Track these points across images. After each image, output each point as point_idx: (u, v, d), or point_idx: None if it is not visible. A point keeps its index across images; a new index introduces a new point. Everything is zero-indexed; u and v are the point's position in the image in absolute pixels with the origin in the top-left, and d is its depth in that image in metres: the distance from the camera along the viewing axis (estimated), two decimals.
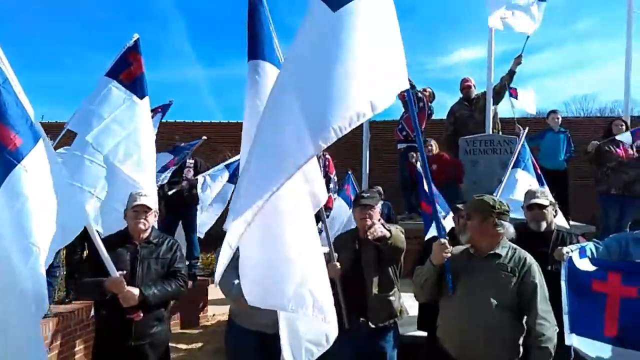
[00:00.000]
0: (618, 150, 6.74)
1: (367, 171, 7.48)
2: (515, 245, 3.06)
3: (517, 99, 8.53)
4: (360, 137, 7.46)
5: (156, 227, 3.72)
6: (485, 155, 6.76)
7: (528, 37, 7.28)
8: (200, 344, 6.29)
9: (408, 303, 3.68)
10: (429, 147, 7.21)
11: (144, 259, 3.30)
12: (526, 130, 5.52)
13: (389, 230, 3.41)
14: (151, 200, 3.38)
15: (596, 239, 3.68)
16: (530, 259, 2.98)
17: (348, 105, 2.16)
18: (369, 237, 3.33)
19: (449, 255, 2.85)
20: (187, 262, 7.34)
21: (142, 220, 3.31)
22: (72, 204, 2.77)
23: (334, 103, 2.15)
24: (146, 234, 3.38)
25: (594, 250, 3.51)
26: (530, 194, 3.99)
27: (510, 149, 6.72)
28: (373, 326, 3.48)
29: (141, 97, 3.85)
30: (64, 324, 5.24)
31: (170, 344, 6.11)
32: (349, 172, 7.38)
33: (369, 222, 3.43)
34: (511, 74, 7.50)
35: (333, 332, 2.95)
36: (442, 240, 2.86)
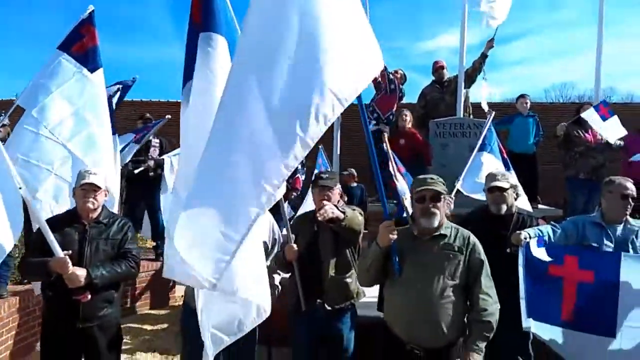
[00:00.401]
0: (586, 135, 6.80)
1: (338, 152, 7.40)
2: (455, 224, 3.05)
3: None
4: None
5: (116, 206, 3.62)
6: (455, 139, 6.73)
7: (497, 27, 7.28)
8: (165, 325, 6.25)
9: None
10: (404, 117, 7.19)
11: (93, 239, 3.20)
12: (493, 114, 5.51)
13: (344, 212, 3.36)
14: (100, 178, 3.26)
15: (554, 222, 3.68)
16: (472, 236, 2.98)
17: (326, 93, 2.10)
18: (319, 218, 3.28)
19: (395, 237, 2.80)
20: (154, 243, 7.29)
21: (91, 200, 3.20)
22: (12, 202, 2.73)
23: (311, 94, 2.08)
24: (95, 214, 3.27)
25: (551, 234, 3.52)
26: (491, 177, 3.97)
27: (480, 133, 6.71)
28: (329, 308, 3.46)
29: (92, 70, 3.69)
30: (23, 305, 5.14)
31: (135, 325, 6.17)
32: (321, 147, 7.33)
33: (325, 203, 3.38)
34: (483, 57, 7.45)
35: (249, 319, 2.89)
36: (388, 221, 2.81)
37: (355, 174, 9.31)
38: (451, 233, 2.95)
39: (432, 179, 2.97)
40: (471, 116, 7.42)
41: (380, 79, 7.41)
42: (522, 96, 7.46)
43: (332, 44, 2.14)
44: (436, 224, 2.87)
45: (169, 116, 7.27)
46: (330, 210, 3.26)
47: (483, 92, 7.82)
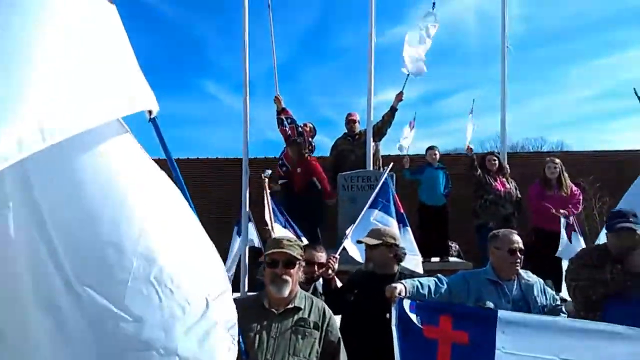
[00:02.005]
0: (496, 183, 6.81)
1: (248, 209, 7.03)
2: (307, 293, 2.72)
3: (411, 129, 8.62)
4: (240, 174, 7.05)
5: None
6: (363, 192, 6.55)
7: (408, 75, 7.38)
8: None
9: None
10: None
11: None
12: (389, 168, 5.37)
13: None
14: None
15: (440, 275, 3.37)
16: (327, 309, 2.65)
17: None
18: None
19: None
20: None
21: None
22: None
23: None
24: None
25: (433, 288, 3.19)
26: (374, 233, 3.71)
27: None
28: None
29: None
30: None
31: None
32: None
33: None
34: (393, 110, 7.51)
35: None
36: None
37: None
38: (306, 305, 2.60)
39: (288, 240, 2.64)
40: (381, 169, 7.32)
41: (289, 131, 7.27)
42: (431, 148, 7.48)
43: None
44: (286, 293, 2.52)
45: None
46: None
47: (468, 133, 7.86)
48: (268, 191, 4.74)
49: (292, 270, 2.54)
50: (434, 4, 7.33)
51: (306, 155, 7.08)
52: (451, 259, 7.20)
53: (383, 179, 5.08)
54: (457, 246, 9.17)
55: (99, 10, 1.91)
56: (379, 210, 4.80)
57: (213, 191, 11.12)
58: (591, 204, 10.02)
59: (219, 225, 8.15)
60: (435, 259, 7.15)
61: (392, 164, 5.52)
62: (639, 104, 4.31)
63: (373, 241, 3.50)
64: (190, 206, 2.21)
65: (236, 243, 7.00)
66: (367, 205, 4.81)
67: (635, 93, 4.25)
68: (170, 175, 2.26)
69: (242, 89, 6.78)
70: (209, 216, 11.64)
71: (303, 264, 2.73)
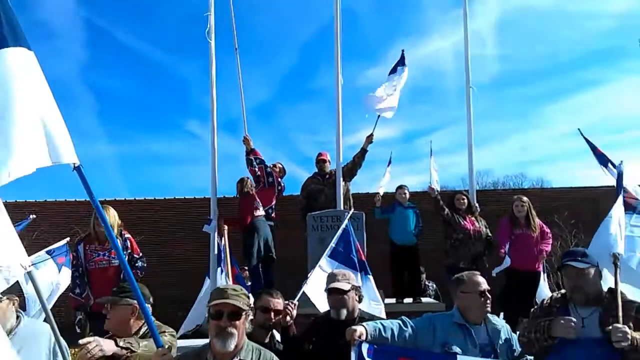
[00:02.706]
0: (465, 222, 6.76)
1: (216, 252, 6.90)
2: (255, 344, 2.59)
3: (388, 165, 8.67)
4: (208, 213, 6.97)
5: None
6: (333, 232, 6.41)
7: (379, 116, 7.46)
8: None
9: None
10: (244, 182, 7.17)
11: None
12: (348, 214, 5.34)
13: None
14: None
15: (405, 318, 3.25)
16: (276, 358, 2.52)
17: None
18: None
19: None
20: None
21: None
22: None
23: None
24: None
25: (396, 331, 3.05)
26: (331, 277, 3.62)
27: (357, 225, 6.51)
28: None
29: None
30: None
31: None
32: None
33: None
34: (363, 152, 7.53)
35: None
36: (162, 349, 2.31)
37: None
38: (253, 358, 2.48)
39: (234, 290, 2.53)
40: (352, 209, 7.26)
41: (258, 172, 7.23)
42: (401, 187, 7.46)
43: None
44: (232, 347, 2.40)
45: (34, 215, 7.09)
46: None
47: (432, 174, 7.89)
48: (225, 235, 4.65)
49: (237, 322, 2.42)
50: (402, 51, 7.58)
51: (246, 190, 7.12)
52: (425, 299, 7.09)
53: (344, 226, 5.02)
54: (435, 286, 9.06)
55: (25, 75, 2.34)
56: (339, 262, 4.71)
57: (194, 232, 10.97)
58: (567, 241, 10.03)
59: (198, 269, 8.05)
60: (408, 300, 7.03)
61: (351, 211, 5.49)
62: (588, 145, 4.36)
63: (345, 286, 3.43)
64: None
65: (204, 286, 6.84)
66: (326, 254, 4.72)
67: (581, 133, 4.31)
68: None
69: (210, 132, 6.83)
70: (189, 259, 11.53)
71: (250, 314, 2.62)
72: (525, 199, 6.47)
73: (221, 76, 6.58)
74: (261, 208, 7.04)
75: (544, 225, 6.54)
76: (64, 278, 5.76)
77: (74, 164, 2.41)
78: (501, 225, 6.49)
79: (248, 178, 7.26)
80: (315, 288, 4.33)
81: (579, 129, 4.44)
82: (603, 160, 4.63)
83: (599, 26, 39.79)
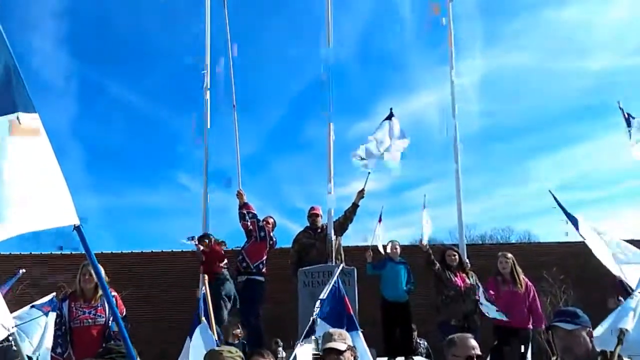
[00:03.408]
0: (456, 279, 6.76)
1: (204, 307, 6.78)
2: None
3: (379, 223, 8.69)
4: (198, 267, 6.92)
5: None
6: (324, 288, 6.42)
7: (369, 173, 7.59)
8: None
9: None
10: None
11: None
12: (340, 267, 5.33)
13: None
14: None
15: None
16: None
17: None
18: None
19: None
20: None
21: None
22: None
23: None
24: None
25: None
26: (327, 337, 3.59)
27: (349, 281, 6.49)
28: None
29: None
30: None
31: None
32: None
33: None
34: (354, 207, 7.61)
35: None
36: None
37: None
38: None
39: (229, 352, 2.53)
40: (343, 263, 7.25)
41: (251, 226, 7.24)
42: (392, 242, 7.48)
43: None
44: None
45: (23, 270, 7.03)
46: None
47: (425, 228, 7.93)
48: (206, 287, 4.61)
49: None
50: (390, 109, 7.81)
51: (208, 244, 7.14)
52: (417, 358, 6.97)
53: (333, 282, 4.99)
54: (426, 343, 8.93)
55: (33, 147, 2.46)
56: (329, 322, 4.65)
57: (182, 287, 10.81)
58: (557, 297, 10.05)
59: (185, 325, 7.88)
60: (399, 359, 6.92)
61: (342, 265, 5.48)
62: (557, 206, 4.49)
63: (342, 346, 3.40)
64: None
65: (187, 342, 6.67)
66: (316, 313, 4.68)
67: (553, 195, 4.46)
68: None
69: (202, 182, 6.91)
70: (176, 313, 11.27)
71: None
72: (509, 255, 6.50)
73: (212, 129, 6.73)
74: (222, 264, 7.10)
75: (529, 282, 6.54)
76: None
77: (75, 224, 2.46)
78: (488, 284, 6.49)
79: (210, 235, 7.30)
80: (307, 351, 4.27)
81: (549, 190, 4.58)
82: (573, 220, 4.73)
83: (580, 83, 41.27)
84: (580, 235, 4.28)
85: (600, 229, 4.23)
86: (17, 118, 2.41)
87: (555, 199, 4.45)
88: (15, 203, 2.28)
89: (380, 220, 8.88)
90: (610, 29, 33.28)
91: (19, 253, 12.18)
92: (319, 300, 4.69)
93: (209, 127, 6.89)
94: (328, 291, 4.80)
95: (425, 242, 7.23)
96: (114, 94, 33.63)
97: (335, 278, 5.00)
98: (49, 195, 2.43)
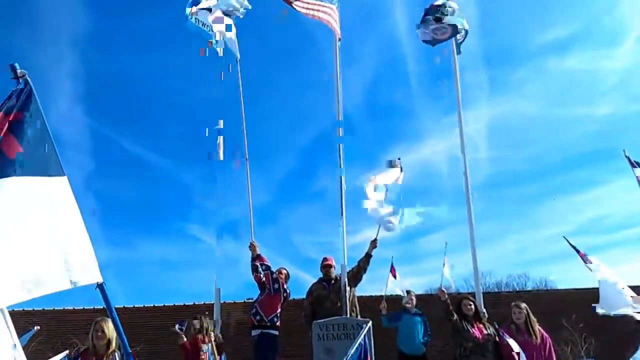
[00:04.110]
0: (473, 330, 6.63)
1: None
2: None
3: (395, 278, 8.64)
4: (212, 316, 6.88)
5: None
6: (339, 342, 6.32)
7: (380, 226, 7.62)
8: None
9: None
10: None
11: None
12: (365, 329, 5.25)
13: None
14: None
15: None
16: None
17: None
18: None
19: None
20: None
21: None
22: None
23: None
24: None
25: None
26: None
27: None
28: None
29: None
30: None
31: None
32: None
33: None
34: (368, 257, 7.58)
35: None
36: None
37: None
38: None
39: None
40: (358, 315, 7.17)
41: (264, 278, 7.21)
42: (408, 292, 7.41)
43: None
44: None
45: (38, 327, 7.06)
46: None
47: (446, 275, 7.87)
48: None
49: None
50: (399, 158, 7.95)
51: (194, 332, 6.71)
52: None
53: (360, 339, 4.89)
54: None
55: (57, 201, 2.57)
56: None
57: None
58: (577, 345, 9.77)
59: None
60: None
61: (370, 322, 5.40)
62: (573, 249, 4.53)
63: None
64: None
65: None
66: None
67: (567, 241, 4.49)
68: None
69: (212, 236, 6.96)
70: None
71: None
72: (523, 305, 6.42)
73: (224, 181, 6.89)
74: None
75: (545, 333, 6.42)
76: None
77: (97, 282, 2.54)
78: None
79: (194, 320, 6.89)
80: None
81: (564, 237, 4.63)
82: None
83: (587, 129, 41.49)
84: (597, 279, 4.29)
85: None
86: (47, 179, 2.52)
87: (571, 244, 4.48)
88: (41, 263, 2.32)
89: (392, 270, 8.86)
90: (614, 76, 33.78)
91: (31, 309, 12.15)
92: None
93: (220, 181, 6.99)
94: (354, 350, 4.71)
95: (444, 290, 7.14)
96: (128, 149, 34.37)
97: (362, 336, 4.92)
98: (74, 255, 2.49)
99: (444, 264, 8.34)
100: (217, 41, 7.40)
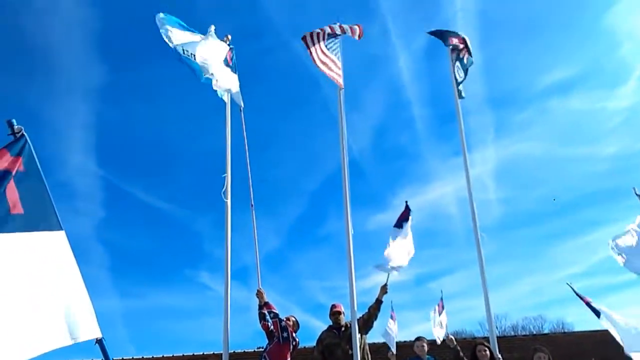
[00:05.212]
0: None
1: None
2: None
3: (394, 321, 8.51)
4: None
5: None
6: None
7: (389, 271, 7.57)
8: None
9: None
10: None
11: None
12: None
13: None
14: None
15: None
16: None
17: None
18: None
19: None
20: None
21: None
22: None
23: None
24: None
25: None
26: None
27: None
28: None
29: None
30: None
31: None
32: None
33: None
34: (378, 303, 7.48)
35: None
36: None
37: None
38: None
39: None
40: None
41: (272, 326, 7.08)
42: (419, 339, 7.27)
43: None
44: None
45: None
46: None
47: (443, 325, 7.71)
48: None
49: None
50: (406, 202, 7.95)
51: None
52: None
53: None
54: None
55: (54, 257, 2.59)
56: None
57: None
58: None
59: None
60: None
61: None
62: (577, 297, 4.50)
63: None
64: None
65: None
66: None
67: (571, 287, 4.48)
68: None
69: (223, 285, 6.92)
70: None
71: None
72: (545, 350, 6.33)
73: (233, 228, 6.94)
74: None
75: None
76: None
77: (97, 338, 2.58)
78: None
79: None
80: None
81: (567, 283, 4.61)
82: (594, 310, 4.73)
83: (593, 168, 41.50)
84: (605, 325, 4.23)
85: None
86: (46, 234, 2.54)
87: (575, 292, 4.43)
88: (42, 321, 2.34)
89: (393, 317, 8.73)
90: (619, 115, 34.04)
91: None
92: None
93: (229, 229, 7.01)
94: None
95: (452, 337, 6.98)
96: (139, 198, 34.73)
97: None
98: (74, 311, 2.51)
99: (430, 319, 8.19)
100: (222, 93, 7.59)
